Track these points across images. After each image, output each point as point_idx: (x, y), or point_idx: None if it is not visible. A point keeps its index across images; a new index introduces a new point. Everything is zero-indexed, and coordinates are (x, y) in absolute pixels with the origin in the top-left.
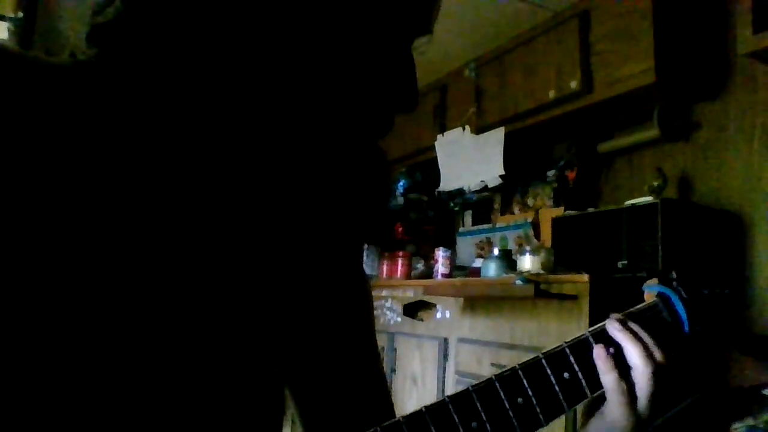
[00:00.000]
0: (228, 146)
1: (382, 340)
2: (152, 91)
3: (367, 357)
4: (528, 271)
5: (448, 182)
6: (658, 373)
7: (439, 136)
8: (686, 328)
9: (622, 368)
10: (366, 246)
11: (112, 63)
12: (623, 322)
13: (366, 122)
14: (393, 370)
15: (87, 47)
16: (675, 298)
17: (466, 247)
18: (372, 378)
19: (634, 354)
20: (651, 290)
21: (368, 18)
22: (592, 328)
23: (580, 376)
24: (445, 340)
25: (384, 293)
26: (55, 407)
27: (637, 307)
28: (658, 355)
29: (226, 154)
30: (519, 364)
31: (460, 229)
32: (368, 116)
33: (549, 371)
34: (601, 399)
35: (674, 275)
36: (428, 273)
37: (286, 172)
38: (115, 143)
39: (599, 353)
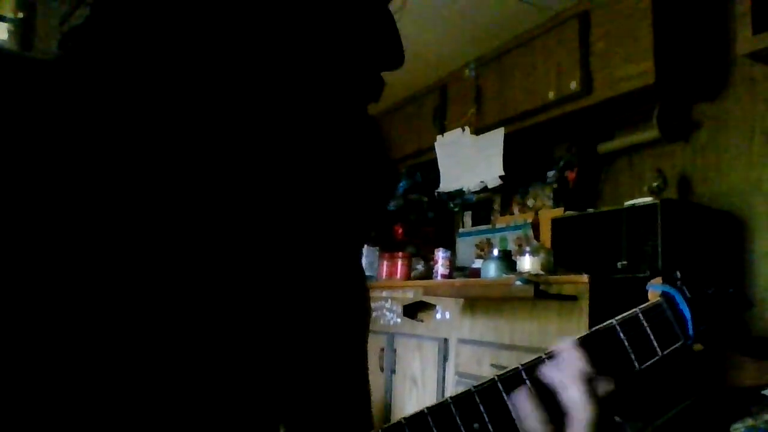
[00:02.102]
0: (219, 137)
1: (381, 341)
2: (133, 84)
3: (355, 371)
4: (528, 272)
5: (447, 183)
6: (601, 415)
7: (438, 137)
8: (690, 329)
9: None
10: (366, 246)
11: (89, 60)
12: (568, 360)
13: (356, 84)
14: (393, 371)
15: (60, 52)
16: (679, 298)
17: (465, 247)
18: (356, 393)
19: (574, 399)
20: (655, 290)
21: None
22: (597, 327)
23: None
24: (445, 340)
25: (384, 294)
26: (55, 408)
27: (637, 308)
28: (602, 390)
29: (217, 147)
30: (522, 364)
31: (460, 230)
32: (357, 77)
33: None
34: None
35: (678, 275)
36: (428, 274)
37: (283, 163)
38: (108, 140)
39: (519, 394)
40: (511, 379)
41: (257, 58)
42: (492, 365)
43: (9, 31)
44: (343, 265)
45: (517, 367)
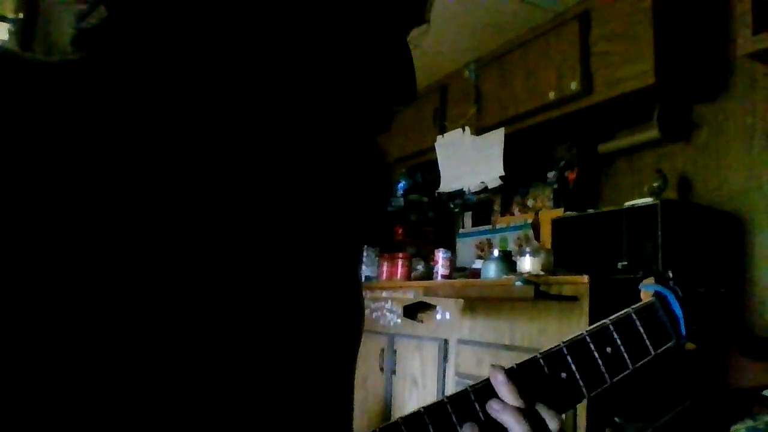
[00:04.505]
0: (225, 146)
1: (382, 342)
2: (146, 90)
3: (341, 382)
4: (528, 273)
5: (448, 183)
6: None
7: (439, 137)
8: (683, 328)
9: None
10: (366, 247)
11: (103, 62)
12: (506, 393)
13: (366, 117)
14: (393, 372)
15: (72, 51)
16: (671, 297)
17: (466, 248)
18: (339, 403)
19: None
20: (647, 290)
21: (363, 9)
22: (589, 328)
23: (578, 376)
24: (445, 341)
25: (384, 294)
26: (56, 408)
27: (630, 308)
28: (552, 426)
29: (222, 154)
30: (516, 364)
31: (460, 231)
32: (368, 110)
33: (547, 371)
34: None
35: (670, 274)
36: (428, 274)
37: (286, 174)
38: (109, 142)
39: (468, 428)
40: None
41: (271, 74)
42: (492, 366)
43: (9, 32)
44: (338, 275)
45: (512, 367)
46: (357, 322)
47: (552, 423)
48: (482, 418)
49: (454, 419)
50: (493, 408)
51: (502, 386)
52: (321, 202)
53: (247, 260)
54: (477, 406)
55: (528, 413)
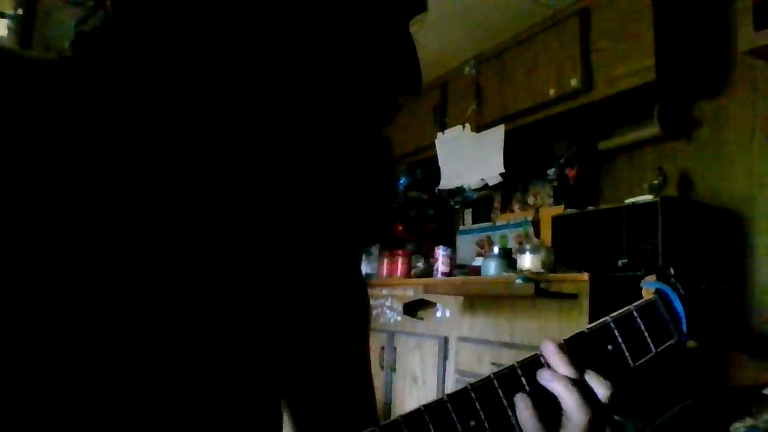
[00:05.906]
0: (224, 143)
1: (382, 339)
2: (142, 87)
3: (357, 367)
4: (528, 270)
5: (448, 180)
6: (596, 417)
7: (439, 134)
8: (684, 326)
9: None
10: (366, 245)
11: (100, 61)
12: (558, 363)
13: (370, 107)
14: (393, 369)
15: (72, 53)
16: (673, 295)
17: (466, 245)
18: (359, 388)
19: (568, 403)
20: (649, 287)
21: None
22: (591, 325)
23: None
24: (445, 339)
25: (384, 292)
26: (54, 409)
27: (632, 306)
28: (601, 393)
29: (222, 151)
30: (517, 362)
31: (460, 228)
32: (372, 100)
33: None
34: None
35: (672, 271)
36: (428, 271)
37: (287, 169)
38: (105, 140)
39: (520, 399)
40: (506, 377)
41: (273, 66)
42: (492, 363)
43: (9, 28)
44: (341, 267)
45: (513, 365)
46: (362, 310)
47: (601, 390)
48: (482, 415)
49: (455, 418)
50: (545, 377)
51: (553, 356)
52: (324, 193)
53: (247, 257)
54: (477, 404)
55: (578, 383)
